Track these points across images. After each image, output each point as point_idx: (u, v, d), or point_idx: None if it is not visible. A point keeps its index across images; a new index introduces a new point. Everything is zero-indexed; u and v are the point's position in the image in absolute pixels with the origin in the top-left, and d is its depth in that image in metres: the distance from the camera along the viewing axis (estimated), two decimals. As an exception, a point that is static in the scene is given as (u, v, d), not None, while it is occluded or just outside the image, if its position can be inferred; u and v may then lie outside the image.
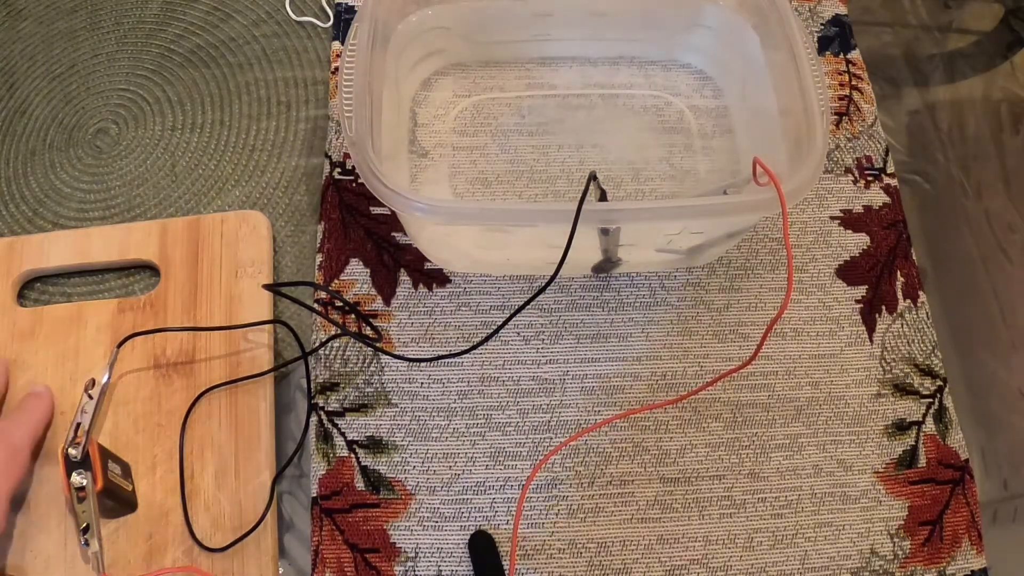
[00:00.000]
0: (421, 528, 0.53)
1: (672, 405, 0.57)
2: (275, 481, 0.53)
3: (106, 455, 0.50)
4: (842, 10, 0.73)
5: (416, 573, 0.52)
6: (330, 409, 0.56)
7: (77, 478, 0.47)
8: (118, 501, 0.50)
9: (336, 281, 0.59)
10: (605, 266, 0.59)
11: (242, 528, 0.51)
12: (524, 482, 0.54)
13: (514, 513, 0.53)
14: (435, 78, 0.67)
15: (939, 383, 0.59)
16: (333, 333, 0.58)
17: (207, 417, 0.54)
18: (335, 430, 0.55)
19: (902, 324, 0.60)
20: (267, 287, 0.56)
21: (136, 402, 0.54)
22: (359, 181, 0.62)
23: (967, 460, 0.57)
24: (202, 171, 0.64)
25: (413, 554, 0.52)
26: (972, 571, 0.54)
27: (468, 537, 0.53)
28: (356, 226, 0.61)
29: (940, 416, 0.58)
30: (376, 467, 0.54)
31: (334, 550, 0.52)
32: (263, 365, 0.55)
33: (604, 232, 0.52)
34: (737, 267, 0.61)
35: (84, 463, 0.48)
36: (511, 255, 0.59)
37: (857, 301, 0.61)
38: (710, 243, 0.57)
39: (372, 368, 0.57)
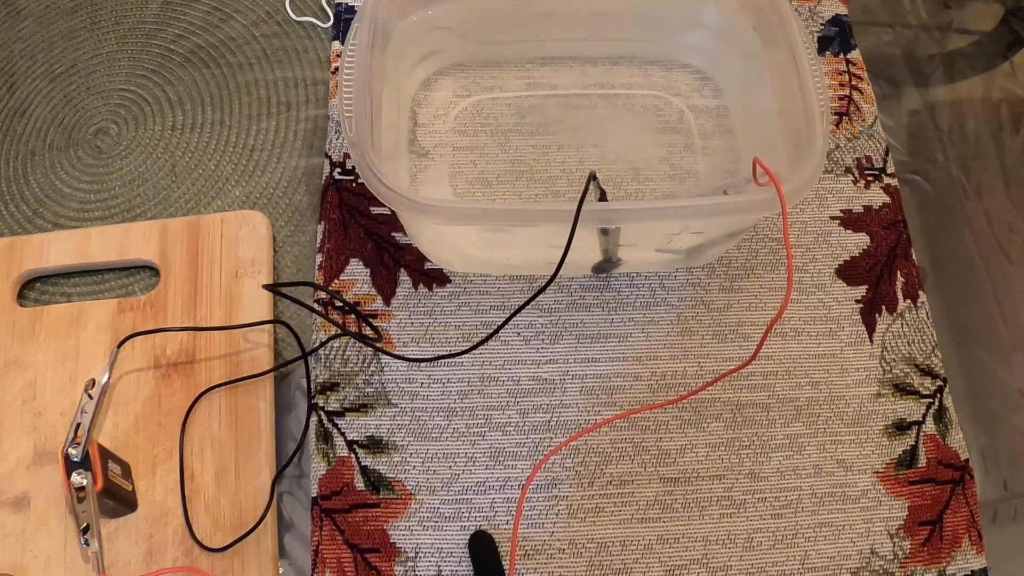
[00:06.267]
0: (421, 528, 0.53)
1: (672, 405, 0.57)
2: (275, 481, 0.53)
3: (106, 455, 0.50)
4: (842, 10, 0.73)
5: (416, 573, 0.52)
6: (330, 409, 0.56)
7: (77, 478, 0.47)
8: (118, 501, 0.50)
9: (336, 281, 0.59)
10: (605, 266, 0.59)
11: (242, 528, 0.51)
12: (524, 482, 0.54)
13: (514, 513, 0.53)
14: (435, 78, 0.67)
15: (939, 383, 0.59)
16: (333, 333, 0.58)
17: (207, 417, 0.54)
18: (335, 430, 0.55)
19: (902, 324, 0.60)
20: (267, 287, 0.56)
21: (136, 402, 0.54)
22: (359, 181, 0.62)
23: (967, 460, 0.57)
24: (202, 171, 0.64)
25: (413, 554, 0.52)
26: (972, 571, 0.54)
27: (468, 537, 0.53)
28: (356, 226, 0.61)
29: (940, 416, 0.58)
30: (376, 467, 0.54)
31: (334, 550, 0.52)
32: (263, 365, 0.55)
33: (604, 232, 0.52)
34: (737, 267, 0.61)
35: (84, 463, 0.48)
36: (511, 255, 0.59)
37: (857, 301, 0.61)
38: (710, 243, 0.57)
39: (372, 368, 0.57)
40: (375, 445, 0.55)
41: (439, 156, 0.64)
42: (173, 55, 0.69)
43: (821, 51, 0.71)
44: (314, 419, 0.55)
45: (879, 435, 0.57)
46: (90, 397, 0.52)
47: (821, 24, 0.72)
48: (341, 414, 0.56)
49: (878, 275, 0.62)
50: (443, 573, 0.52)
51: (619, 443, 0.56)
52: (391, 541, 0.52)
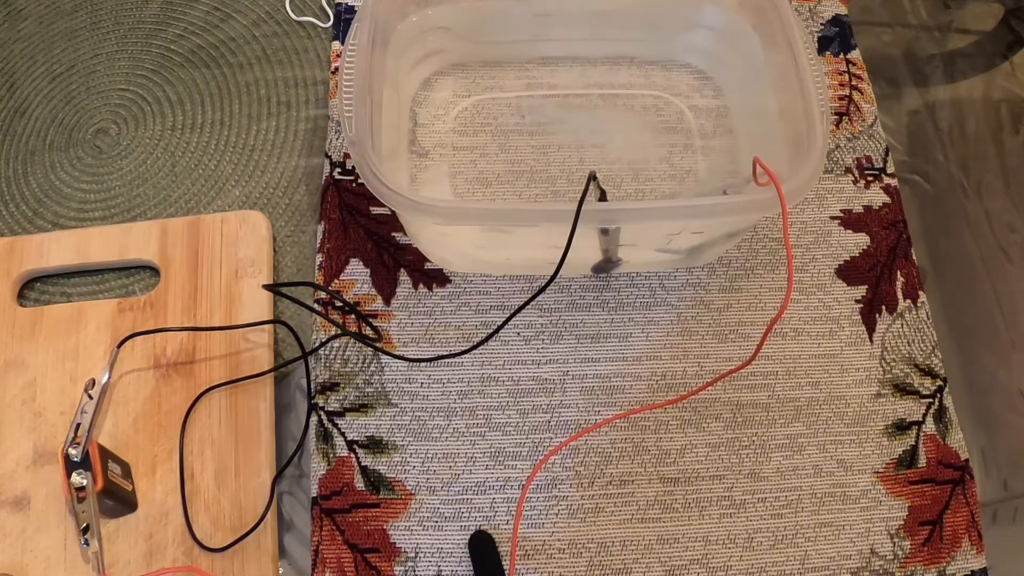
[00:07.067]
0: (421, 528, 0.53)
1: (672, 405, 0.57)
2: (275, 481, 0.53)
3: (106, 455, 0.50)
4: (842, 10, 0.73)
5: (416, 573, 0.52)
6: (330, 409, 0.56)
7: (77, 478, 0.47)
8: (118, 501, 0.50)
9: (336, 281, 0.59)
10: (605, 266, 0.59)
11: (242, 528, 0.51)
12: (524, 482, 0.54)
13: (514, 513, 0.53)
14: (435, 78, 0.67)
15: (939, 383, 0.59)
16: (333, 333, 0.58)
17: (207, 417, 0.54)
18: (335, 430, 0.55)
19: (902, 324, 0.60)
20: (267, 287, 0.56)
21: (136, 402, 0.54)
22: (359, 181, 0.62)
23: (967, 460, 0.57)
24: (202, 171, 0.64)
25: (413, 554, 0.52)
26: (972, 571, 0.54)
27: (468, 537, 0.53)
28: (356, 226, 0.61)
29: (940, 416, 0.58)
30: (376, 467, 0.54)
31: (334, 550, 0.52)
32: (263, 365, 0.55)
33: (604, 232, 0.52)
34: (737, 267, 0.61)
35: (84, 463, 0.48)
36: (511, 255, 0.59)
37: (857, 301, 0.61)
38: (710, 243, 0.57)
39: (372, 368, 0.57)
40: (375, 445, 0.55)
41: (439, 156, 0.64)
42: (173, 55, 0.69)
43: (821, 51, 0.71)
44: (314, 419, 0.55)
45: (879, 435, 0.57)
46: (90, 397, 0.52)
47: (821, 24, 0.72)
48: (341, 414, 0.56)
49: (878, 275, 0.62)
50: (443, 573, 0.52)
51: (619, 443, 0.56)
52: (391, 541, 0.52)
